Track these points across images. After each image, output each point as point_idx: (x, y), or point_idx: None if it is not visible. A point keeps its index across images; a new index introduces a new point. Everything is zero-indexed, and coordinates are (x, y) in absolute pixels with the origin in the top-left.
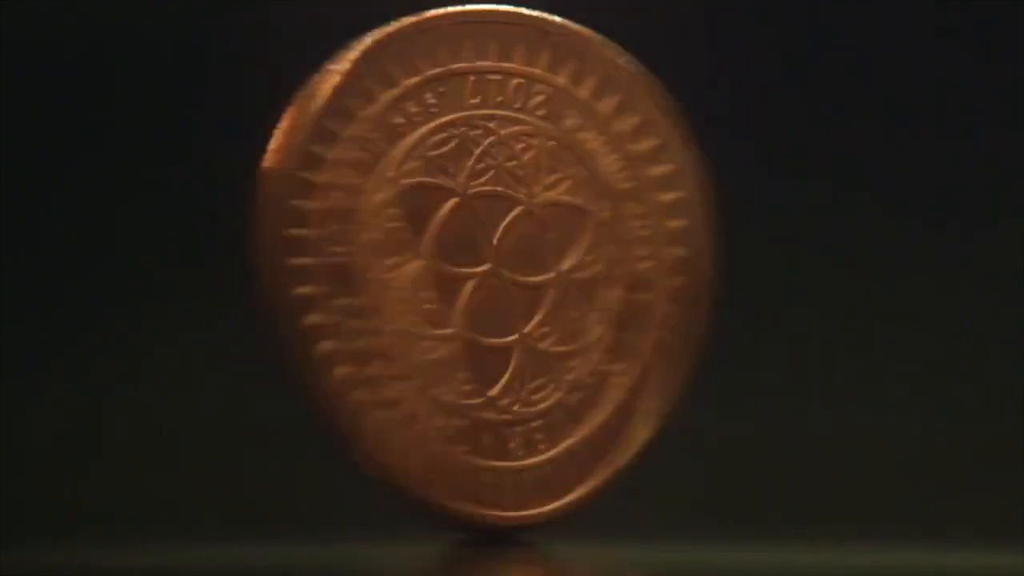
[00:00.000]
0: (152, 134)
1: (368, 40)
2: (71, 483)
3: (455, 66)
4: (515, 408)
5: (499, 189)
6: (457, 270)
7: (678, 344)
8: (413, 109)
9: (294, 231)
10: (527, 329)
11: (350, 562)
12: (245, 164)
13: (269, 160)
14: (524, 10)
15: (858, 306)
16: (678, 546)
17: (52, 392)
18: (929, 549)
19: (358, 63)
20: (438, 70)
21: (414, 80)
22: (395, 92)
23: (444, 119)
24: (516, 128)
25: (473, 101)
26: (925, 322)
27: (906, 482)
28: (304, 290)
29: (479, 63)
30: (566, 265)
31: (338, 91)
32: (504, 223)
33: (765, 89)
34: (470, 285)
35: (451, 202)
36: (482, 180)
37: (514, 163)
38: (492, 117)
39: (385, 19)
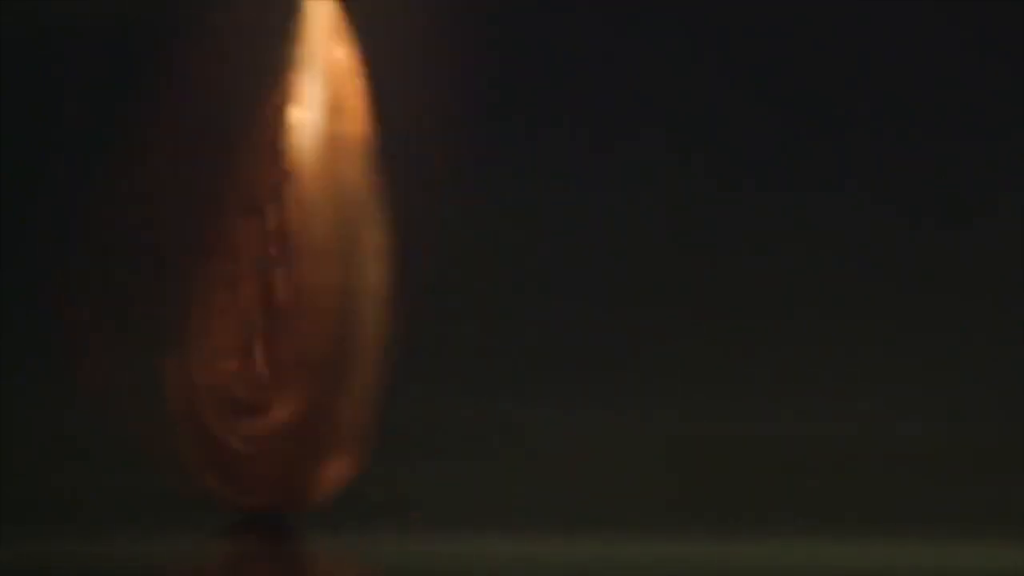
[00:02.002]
0: (148, 135)
1: None
2: (62, 477)
3: None
4: None
5: None
6: None
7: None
8: None
9: None
10: None
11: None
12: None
13: None
14: None
15: (858, 307)
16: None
17: (43, 388)
18: (924, 547)
19: None
20: None
21: None
22: None
23: None
24: None
25: None
26: (918, 323)
27: (888, 480)
28: None
29: None
30: None
31: None
32: None
33: (743, 93)
34: None
35: None
36: None
37: None
38: None
39: None
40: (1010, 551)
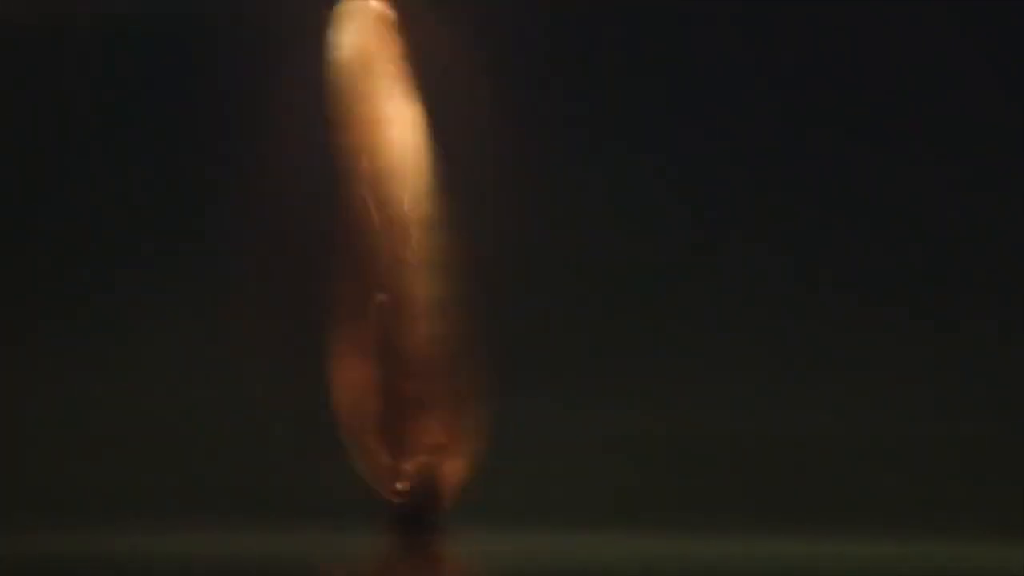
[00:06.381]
0: (149, 134)
1: None
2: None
3: None
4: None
5: None
6: None
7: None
8: None
9: None
10: None
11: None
12: (239, 158)
13: None
14: None
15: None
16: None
17: (45, 382)
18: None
19: None
20: None
21: None
22: None
23: None
24: None
25: None
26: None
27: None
28: None
29: None
30: None
31: None
32: None
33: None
34: None
35: None
36: None
37: None
38: None
39: None
40: (1010, 551)
